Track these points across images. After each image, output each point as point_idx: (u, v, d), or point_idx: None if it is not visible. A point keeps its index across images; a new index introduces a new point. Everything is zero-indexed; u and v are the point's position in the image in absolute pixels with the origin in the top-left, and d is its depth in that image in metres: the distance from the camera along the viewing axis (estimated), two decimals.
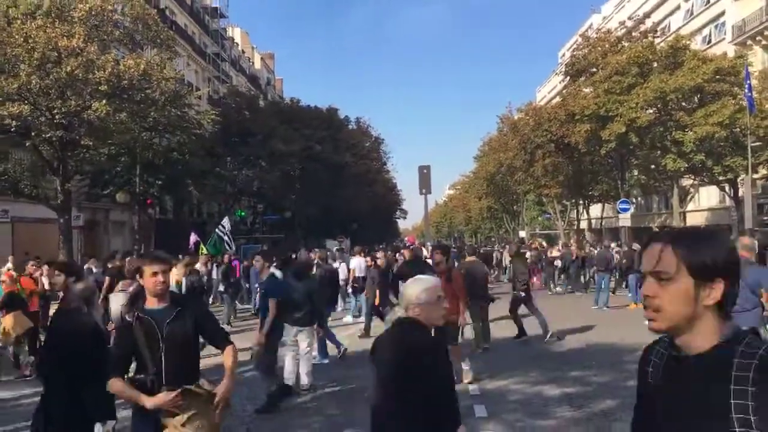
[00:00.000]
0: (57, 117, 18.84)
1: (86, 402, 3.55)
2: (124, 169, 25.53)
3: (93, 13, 19.34)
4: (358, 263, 14.89)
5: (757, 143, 23.57)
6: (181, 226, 32.62)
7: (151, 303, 3.38)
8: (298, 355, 7.80)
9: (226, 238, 18.04)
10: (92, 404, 3.59)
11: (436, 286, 2.93)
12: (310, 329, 7.88)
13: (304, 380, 7.77)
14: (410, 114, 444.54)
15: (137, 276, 3.47)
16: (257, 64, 70.36)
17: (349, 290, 15.47)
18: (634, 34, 31.16)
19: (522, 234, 52.70)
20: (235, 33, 64.44)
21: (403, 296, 2.91)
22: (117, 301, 9.40)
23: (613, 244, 23.94)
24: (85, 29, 18.62)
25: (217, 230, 18.89)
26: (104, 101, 18.78)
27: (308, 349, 7.88)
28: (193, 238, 20.93)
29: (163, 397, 3.16)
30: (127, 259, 11.50)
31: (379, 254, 13.83)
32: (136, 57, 20.63)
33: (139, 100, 21.00)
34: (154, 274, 3.32)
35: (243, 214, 44.06)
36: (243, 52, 64.79)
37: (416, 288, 2.88)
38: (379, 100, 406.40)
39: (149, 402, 3.16)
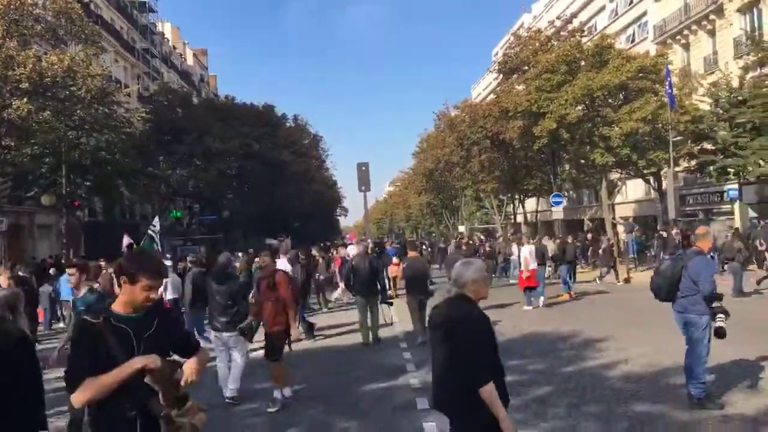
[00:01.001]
0: None
1: (16, 414, 3.39)
2: (49, 170, 24.34)
3: (12, 6, 18.38)
4: (284, 264, 14.87)
5: (678, 138, 24.83)
6: (112, 229, 31.45)
7: (123, 309, 2.92)
8: (230, 361, 7.44)
9: (156, 238, 17.51)
10: (23, 416, 3.43)
11: (483, 267, 3.62)
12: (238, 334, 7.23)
13: (227, 392, 7.19)
14: (348, 112, 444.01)
15: (113, 276, 3.18)
16: (189, 60, 68.53)
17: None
18: (562, 33, 32.19)
19: (461, 229, 53.64)
20: (165, 28, 62.56)
21: (459, 276, 3.48)
22: None
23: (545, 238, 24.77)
24: (3, 24, 17.68)
25: (149, 230, 18.34)
26: (25, 99, 17.94)
27: (241, 356, 7.27)
28: (125, 240, 20.17)
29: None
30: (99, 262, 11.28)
31: (315, 251, 14.07)
32: (60, 53, 19.79)
33: (63, 98, 20.16)
34: (149, 288, 2.89)
35: (178, 214, 42.93)
36: (174, 47, 62.97)
37: (469, 269, 3.49)
38: (315, 98, 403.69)
39: (140, 360, 2.77)
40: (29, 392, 3.50)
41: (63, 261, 20.97)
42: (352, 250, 16.87)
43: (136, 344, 2.83)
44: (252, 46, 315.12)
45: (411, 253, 11.88)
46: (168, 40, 61.06)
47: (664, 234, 22.17)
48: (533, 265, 14.93)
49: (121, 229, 28.28)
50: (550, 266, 19.52)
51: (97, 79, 21.06)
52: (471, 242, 27.82)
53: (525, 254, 15.15)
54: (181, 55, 65.33)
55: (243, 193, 42.23)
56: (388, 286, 13.25)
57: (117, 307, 2.92)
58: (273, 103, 45.45)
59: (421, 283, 10.84)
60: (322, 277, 16.57)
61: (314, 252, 17.95)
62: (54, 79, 19.04)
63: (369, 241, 19.79)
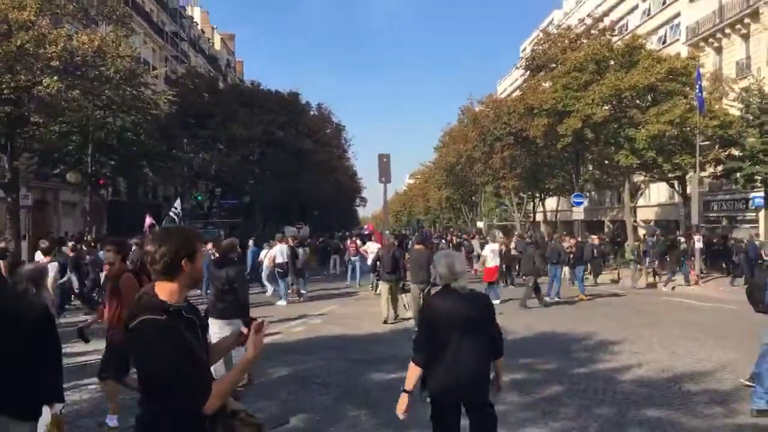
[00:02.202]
0: (5, 92, 18.08)
1: (35, 384, 3.49)
2: (75, 148, 24.71)
3: None
4: (280, 250, 16.31)
5: (706, 142, 24.40)
6: (135, 208, 31.89)
7: (172, 298, 2.44)
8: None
9: (177, 219, 17.77)
10: (41, 386, 3.53)
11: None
12: (237, 323, 6.29)
13: None
14: (372, 102, 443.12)
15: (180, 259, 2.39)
16: (217, 45, 68.90)
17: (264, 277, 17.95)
18: (592, 31, 31.77)
19: (480, 224, 53.42)
20: (195, 12, 62.91)
21: (452, 268, 3.96)
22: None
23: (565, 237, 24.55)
24: (37, 2, 17.87)
25: (171, 212, 18.62)
26: (56, 77, 18.13)
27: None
28: (148, 220, 20.58)
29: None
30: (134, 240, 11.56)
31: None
32: (90, 33, 19.95)
33: (92, 78, 20.35)
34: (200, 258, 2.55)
35: (200, 197, 43.34)
36: (202, 32, 63.34)
37: (459, 261, 4.08)
38: (340, 87, 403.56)
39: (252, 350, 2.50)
40: (48, 364, 3.60)
41: (86, 238, 21.35)
42: (371, 247, 18.89)
43: (201, 333, 2.52)
44: (278, 34, 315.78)
45: (417, 246, 12.91)
46: (197, 24, 61.44)
47: (682, 239, 21.87)
48: (492, 263, 15.71)
49: (144, 209, 28.78)
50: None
51: (126, 60, 21.22)
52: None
53: (486, 252, 16.04)
54: (209, 39, 65.68)
55: (264, 180, 42.39)
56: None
57: (170, 297, 2.44)
58: (298, 91, 45.49)
59: (422, 274, 11.80)
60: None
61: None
62: (84, 58, 19.21)
63: (392, 237, 19.85)
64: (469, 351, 3.84)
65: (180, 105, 32.26)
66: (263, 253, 18.55)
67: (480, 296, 4.39)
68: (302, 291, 17.09)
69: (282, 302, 15.73)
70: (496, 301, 14.79)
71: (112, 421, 5.80)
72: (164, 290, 2.44)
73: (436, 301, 4.09)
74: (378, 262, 13.87)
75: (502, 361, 4.25)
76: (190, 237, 2.55)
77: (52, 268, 9.71)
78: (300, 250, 17.34)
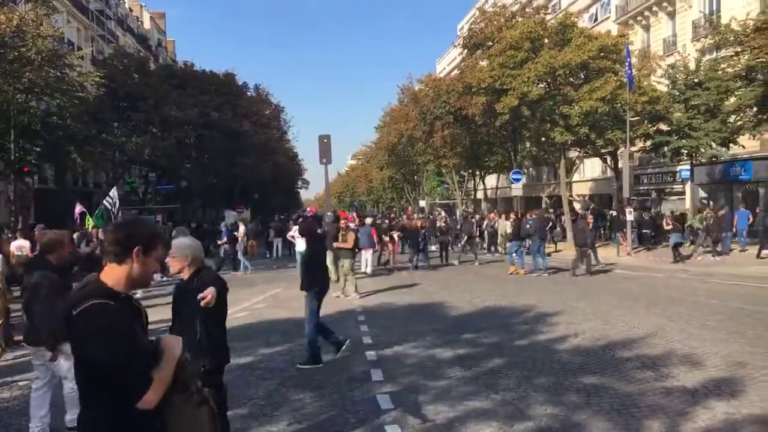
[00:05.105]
0: None
1: None
2: None
3: None
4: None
5: (635, 118, 25.28)
6: (64, 197, 30.50)
7: (124, 287, 2.38)
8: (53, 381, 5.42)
9: (113, 210, 17.09)
10: None
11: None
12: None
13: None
14: (311, 83, 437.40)
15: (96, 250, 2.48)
16: (146, 24, 66.15)
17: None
18: (527, 9, 32.20)
19: (422, 204, 53.94)
20: None
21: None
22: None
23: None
24: None
25: (104, 201, 17.89)
26: None
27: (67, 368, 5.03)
28: (78, 208, 19.74)
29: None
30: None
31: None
32: (8, 12, 18.84)
33: (11, 59, 19.27)
34: (158, 260, 2.49)
35: (134, 183, 41.89)
36: (130, 10, 60.62)
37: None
38: (278, 68, 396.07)
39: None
40: None
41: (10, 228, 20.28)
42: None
43: (145, 324, 2.44)
44: (212, 10, 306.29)
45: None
46: (124, 2, 58.73)
47: (614, 213, 22.70)
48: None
49: (74, 197, 27.52)
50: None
51: (48, 41, 20.20)
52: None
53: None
54: (137, 18, 63.00)
55: (201, 163, 41.34)
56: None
57: (116, 285, 2.33)
58: (233, 72, 44.32)
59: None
60: None
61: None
62: (2, 39, 18.18)
63: (330, 214, 19.81)
64: None
65: (108, 87, 30.84)
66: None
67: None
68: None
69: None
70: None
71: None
72: (110, 277, 2.33)
73: None
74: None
75: None
76: (151, 231, 2.50)
77: None
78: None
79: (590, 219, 18.58)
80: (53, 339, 4.98)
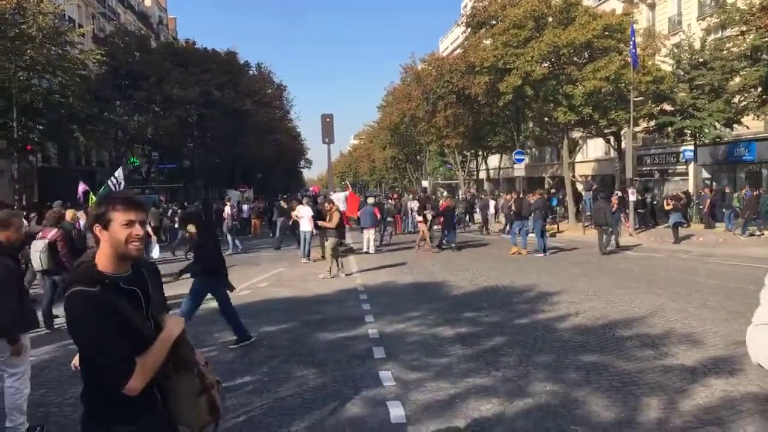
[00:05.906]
0: None
1: None
2: None
3: None
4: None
5: (639, 98, 25.13)
6: (67, 175, 30.53)
7: (113, 267, 2.30)
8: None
9: (116, 189, 17.07)
10: None
11: None
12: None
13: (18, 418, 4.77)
14: (314, 61, 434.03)
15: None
16: (147, 1, 65.53)
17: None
18: None
19: (425, 183, 53.88)
20: None
21: None
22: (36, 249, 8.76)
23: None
24: None
25: (109, 181, 17.91)
26: None
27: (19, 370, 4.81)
28: (81, 187, 19.77)
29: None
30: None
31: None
32: None
33: (13, 37, 19.19)
34: (128, 223, 2.29)
35: (136, 162, 41.87)
36: None
37: None
38: (279, 48, 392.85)
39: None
40: None
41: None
42: (301, 211, 17.41)
43: (144, 305, 2.35)
44: None
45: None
46: None
47: (620, 194, 22.65)
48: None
49: (77, 175, 27.54)
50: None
51: (48, 17, 20.07)
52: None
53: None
54: None
55: (204, 142, 41.28)
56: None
57: (105, 267, 2.29)
58: (235, 50, 44.02)
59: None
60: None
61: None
62: (3, 16, 18.07)
63: (331, 192, 19.83)
64: None
65: (110, 65, 30.75)
66: None
67: None
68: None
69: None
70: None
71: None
72: (99, 257, 2.32)
73: None
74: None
75: None
76: (99, 202, 2.45)
77: None
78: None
79: (615, 200, 18.37)
80: (10, 331, 4.63)
